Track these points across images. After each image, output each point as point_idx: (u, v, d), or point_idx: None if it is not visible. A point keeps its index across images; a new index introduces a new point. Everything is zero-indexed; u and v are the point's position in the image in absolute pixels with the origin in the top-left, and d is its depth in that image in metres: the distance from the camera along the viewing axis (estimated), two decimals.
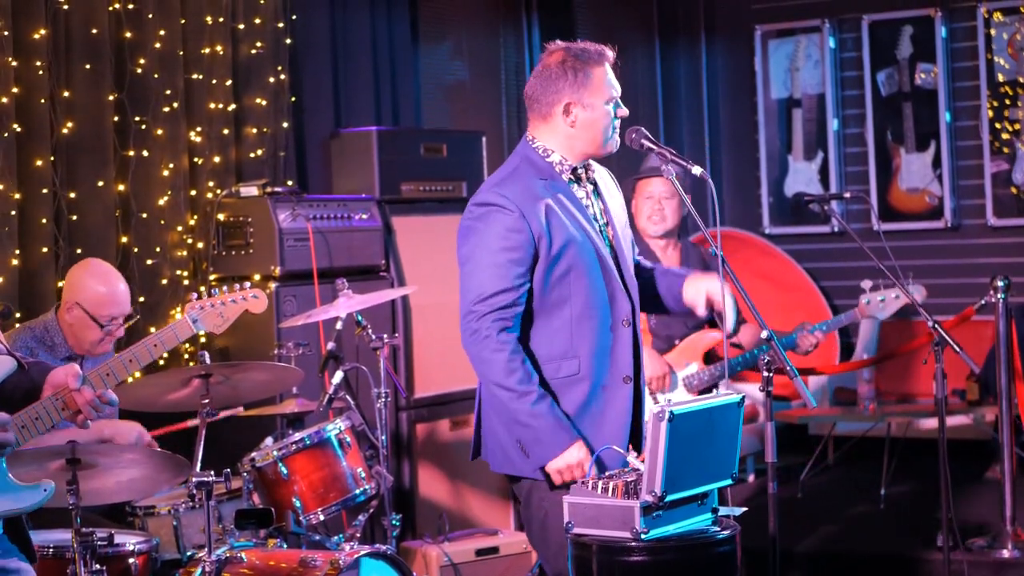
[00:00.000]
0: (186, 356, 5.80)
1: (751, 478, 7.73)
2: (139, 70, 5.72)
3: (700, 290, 4.05)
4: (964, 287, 8.10)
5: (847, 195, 5.79)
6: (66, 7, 5.44)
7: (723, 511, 3.57)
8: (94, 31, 5.51)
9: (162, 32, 5.79)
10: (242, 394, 4.71)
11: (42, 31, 5.30)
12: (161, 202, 5.78)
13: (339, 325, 5.38)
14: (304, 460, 4.93)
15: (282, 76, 6.28)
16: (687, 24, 9.11)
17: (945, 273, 8.33)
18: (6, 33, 5.16)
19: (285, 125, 6.31)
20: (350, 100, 6.77)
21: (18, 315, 5.16)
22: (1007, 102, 8.22)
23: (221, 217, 5.91)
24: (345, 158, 6.42)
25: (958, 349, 4.88)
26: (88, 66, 5.50)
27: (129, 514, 4.79)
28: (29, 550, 3.46)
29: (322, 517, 4.93)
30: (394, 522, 5.31)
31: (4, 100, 5.15)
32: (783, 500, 5.93)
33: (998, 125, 8.25)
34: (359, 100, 6.81)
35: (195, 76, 5.97)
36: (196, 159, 5.97)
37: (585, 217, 3.90)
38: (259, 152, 6.20)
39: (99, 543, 3.85)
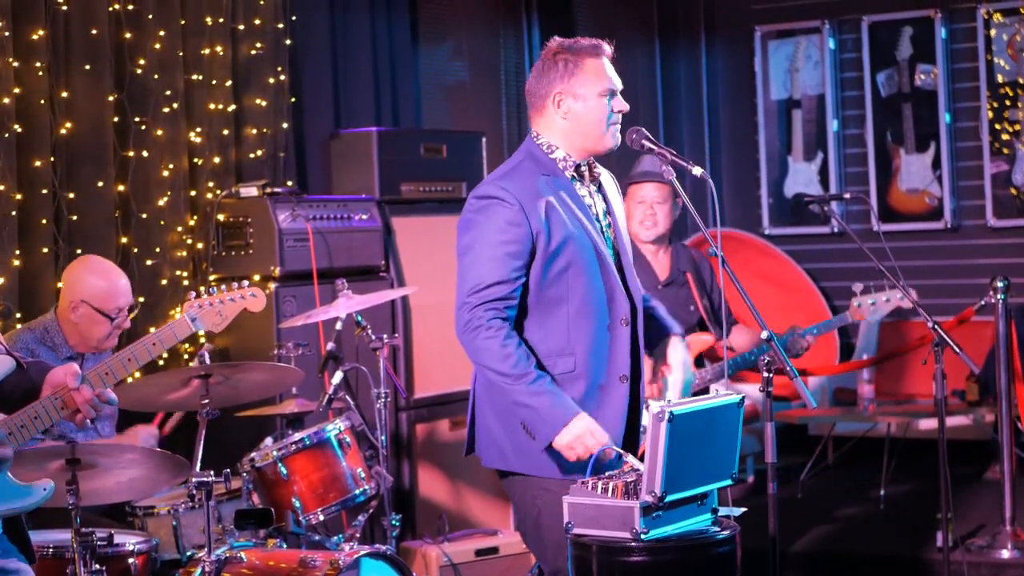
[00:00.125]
0: (186, 356, 5.80)
1: (751, 478, 7.73)
2: (139, 71, 5.72)
3: (658, 361, 4.09)
4: (964, 288, 8.11)
5: (847, 196, 5.81)
6: (66, 8, 5.44)
7: (723, 511, 3.57)
8: (94, 32, 5.51)
9: (162, 33, 5.79)
10: (242, 394, 4.71)
11: (41, 32, 5.31)
12: (161, 202, 5.79)
13: (339, 325, 5.38)
14: (304, 460, 4.93)
15: (282, 77, 6.28)
16: (687, 24, 9.11)
17: (945, 274, 8.33)
18: (6, 34, 5.16)
19: (285, 126, 6.31)
20: (350, 100, 6.77)
21: (18, 315, 5.17)
22: (1007, 103, 8.22)
23: (221, 218, 5.91)
24: (345, 158, 6.42)
25: (958, 350, 4.89)
26: (88, 67, 5.50)
27: (129, 514, 4.80)
28: (28, 550, 3.46)
29: (322, 517, 4.93)
30: (394, 522, 5.31)
31: (4, 101, 5.15)
32: (783, 500, 5.92)
33: (998, 126, 8.25)
34: (359, 101, 6.81)
35: (195, 77, 5.97)
36: (196, 159, 5.97)
37: (586, 215, 3.90)
38: (259, 153, 6.21)
39: (99, 543, 3.85)
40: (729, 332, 5.59)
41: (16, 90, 5.22)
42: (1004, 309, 5.86)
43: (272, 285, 5.71)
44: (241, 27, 6.16)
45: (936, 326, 4.90)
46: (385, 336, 5.43)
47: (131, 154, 5.70)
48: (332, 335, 5.40)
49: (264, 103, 6.22)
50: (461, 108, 7.68)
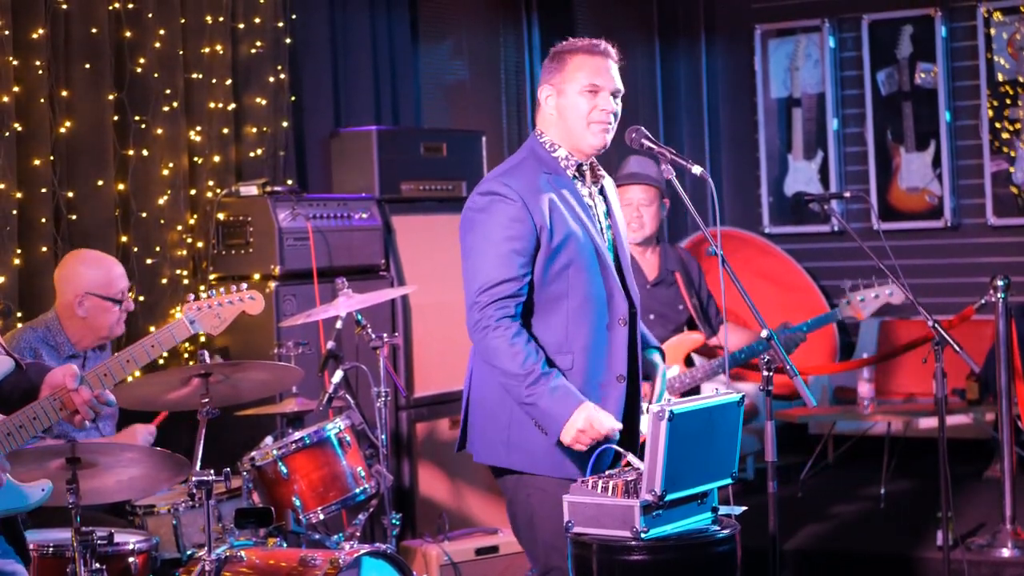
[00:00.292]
0: (186, 355, 5.80)
1: (750, 478, 7.73)
2: (139, 70, 5.72)
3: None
4: (964, 286, 8.11)
5: (847, 194, 5.79)
6: (66, 7, 5.44)
7: (723, 510, 3.57)
8: (94, 31, 5.51)
9: (162, 32, 5.79)
10: (242, 393, 4.71)
11: (41, 30, 5.30)
12: (161, 201, 5.79)
13: (339, 324, 5.38)
14: (304, 459, 4.93)
15: (282, 75, 6.28)
16: (687, 24, 9.11)
17: (945, 272, 8.33)
18: (6, 32, 5.16)
19: (285, 124, 6.31)
20: (350, 99, 6.77)
21: (19, 315, 5.17)
22: (1007, 101, 8.22)
23: (221, 216, 5.91)
24: (345, 157, 6.42)
25: (958, 348, 4.89)
26: (88, 66, 5.50)
27: (129, 513, 4.80)
28: (24, 551, 3.45)
29: (322, 516, 4.93)
30: (394, 521, 5.31)
31: (4, 99, 5.15)
32: (783, 499, 5.91)
33: (998, 124, 8.25)
34: (359, 100, 6.81)
35: (195, 76, 5.97)
36: (196, 158, 5.97)
37: (587, 214, 3.90)
38: (259, 151, 6.21)
39: (99, 542, 3.85)
40: (717, 331, 5.64)
41: (16, 89, 5.22)
42: (1004, 308, 5.86)
43: (272, 284, 5.71)
44: (241, 26, 6.16)
45: (936, 325, 4.89)
46: (385, 335, 5.43)
47: (131, 153, 5.70)
48: (332, 334, 5.40)
49: (264, 102, 6.22)
50: (461, 107, 7.68)
